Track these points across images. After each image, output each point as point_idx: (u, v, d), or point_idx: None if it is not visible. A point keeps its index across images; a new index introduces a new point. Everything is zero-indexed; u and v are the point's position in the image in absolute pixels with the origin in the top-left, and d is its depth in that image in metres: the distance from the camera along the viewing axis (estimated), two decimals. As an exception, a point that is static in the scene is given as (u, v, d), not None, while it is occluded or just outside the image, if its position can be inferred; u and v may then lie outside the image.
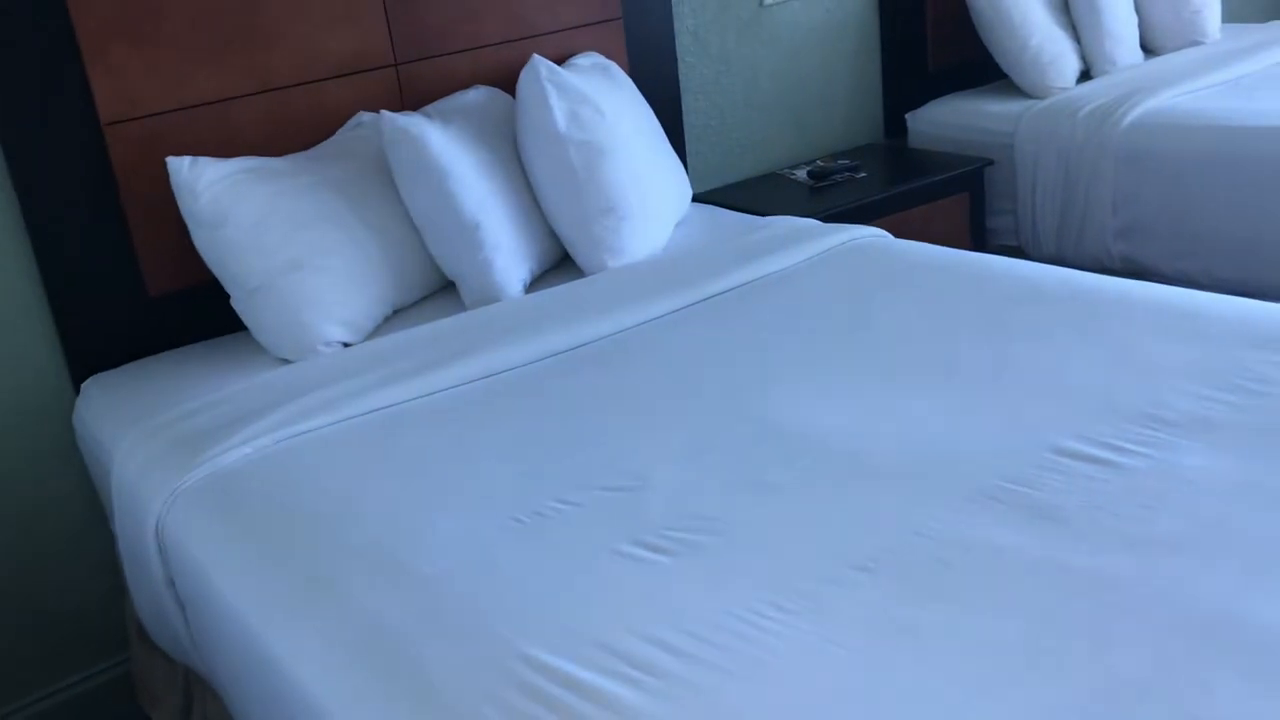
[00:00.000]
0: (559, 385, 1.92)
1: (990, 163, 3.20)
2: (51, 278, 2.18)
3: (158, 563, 1.76)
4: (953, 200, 3.12)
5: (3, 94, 2.07)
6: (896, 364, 1.85)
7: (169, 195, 2.17)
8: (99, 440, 2.03)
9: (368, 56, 2.44)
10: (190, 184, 2.13)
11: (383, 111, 2.29)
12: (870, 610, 1.25)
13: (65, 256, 2.18)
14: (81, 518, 2.30)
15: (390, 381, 1.93)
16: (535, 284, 2.39)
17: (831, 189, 3.04)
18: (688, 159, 3.05)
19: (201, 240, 2.16)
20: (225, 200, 2.13)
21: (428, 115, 2.36)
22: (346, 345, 2.16)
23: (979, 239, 3.21)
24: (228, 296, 2.20)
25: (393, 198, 2.29)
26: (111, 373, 2.21)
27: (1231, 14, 4.17)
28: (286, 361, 2.13)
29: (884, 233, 2.48)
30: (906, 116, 3.53)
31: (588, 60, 2.66)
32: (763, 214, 2.69)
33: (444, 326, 2.15)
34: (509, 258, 2.29)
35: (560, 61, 2.58)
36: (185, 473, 1.76)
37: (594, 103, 2.41)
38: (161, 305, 2.28)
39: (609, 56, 2.73)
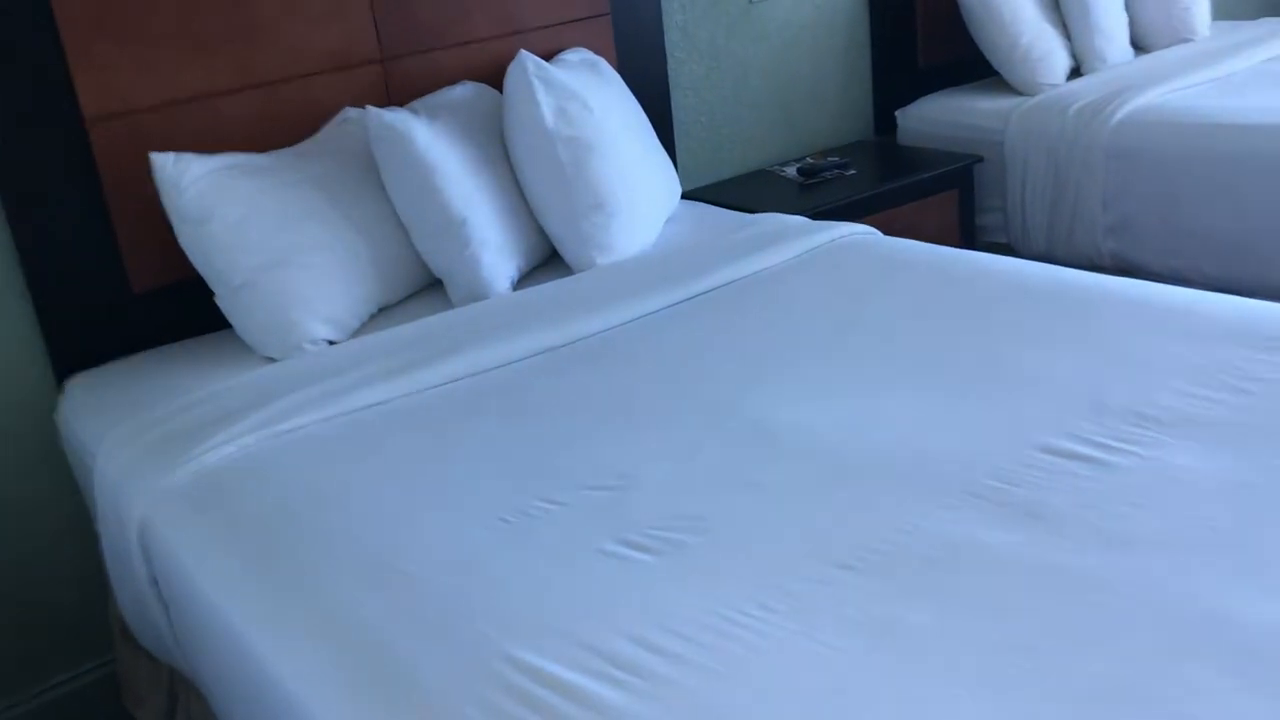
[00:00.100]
0: (546, 384, 1.91)
1: (980, 160, 3.20)
2: (35, 275, 2.16)
3: (141, 562, 1.75)
4: (942, 197, 3.12)
5: (-16, 89, 2.06)
6: (884, 362, 1.85)
7: (153, 191, 2.15)
8: (82, 439, 2.02)
9: (354, 52, 2.43)
10: (175, 180, 2.12)
11: (369, 107, 2.28)
12: (856, 609, 1.25)
13: (49, 253, 2.16)
14: (65, 517, 2.28)
15: (376, 380, 1.92)
16: (523, 281, 2.38)
17: (821, 186, 3.04)
18: (677, 156, 3.04)
19: (186, 237, 2.14)
20: (210, 196, 2.11)
21: (414, 111, 2.35)
22: (332, 343, 2.15)
23: (969, 236, 3.21)
24: (212, 294, 2.18)
25: (379, 194, 2.28)
26: (95, 371, 2.20)
27: (1221, 11, 4.17)
28: (271, 359, 2.12)
29: (873, 230, 2.47)
30: (896, 113, 3.52)
31: (576, 56, 2.65)
32: (752, 211, 2.68)
33: (430, 324, 2.14)
34: (496, 254, 2.28)
35: (548, 57, 2.57)
36: (169, 472, 1.74)
37: (582, 99, 2.40)
38: (146, 302, 2.26)
39: (597, 52, 2.72)
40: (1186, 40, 3.65)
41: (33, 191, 2.13)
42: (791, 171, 3.17)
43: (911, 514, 1.41)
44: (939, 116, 3.43)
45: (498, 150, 2.40)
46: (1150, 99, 3.10)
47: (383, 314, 2.28)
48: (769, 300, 2.15)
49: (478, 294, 2.26)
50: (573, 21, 2.73)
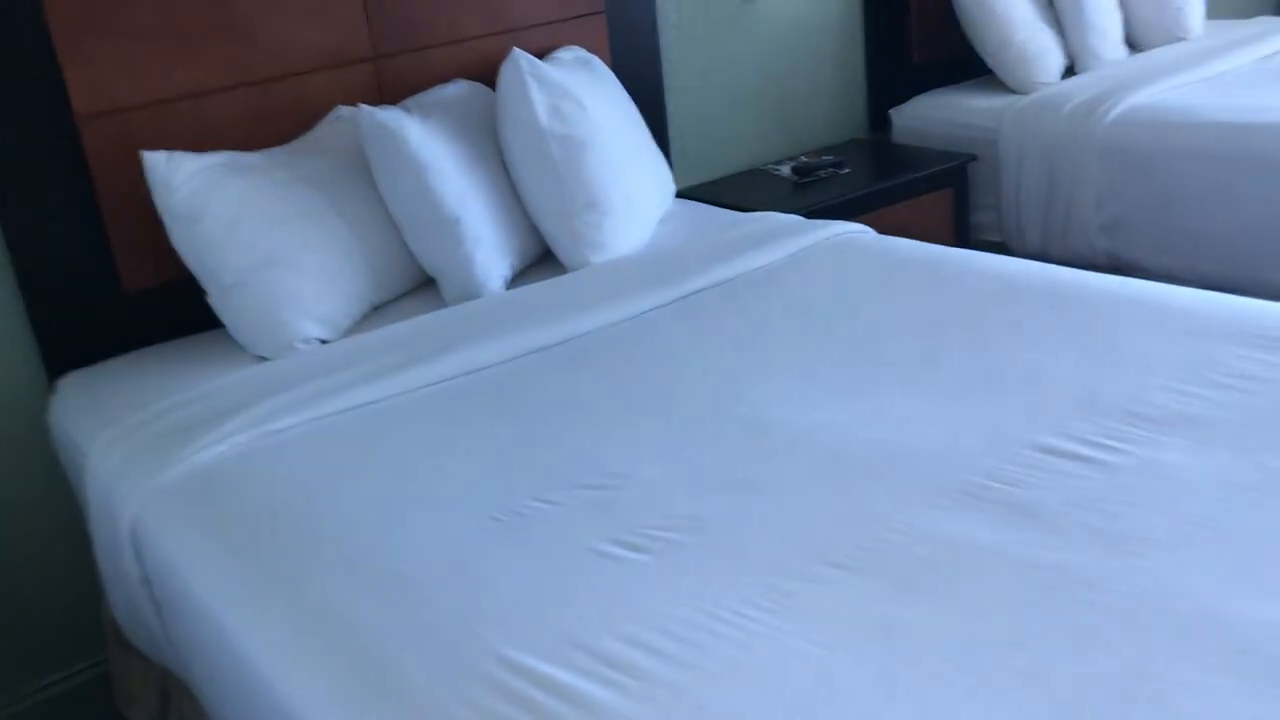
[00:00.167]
0: (539, 382, 1.91)
1: (974, 158, 3.20)
2: (26, 274, 2.15)
3: (133, 562, 1.74)
4: (937, 196, 3.12)
5: (-25, 87, 2.05)
6: (878, 360, 1.84)
7: (145, 190, 2.14)
8: (74, 438, 2.01)
9: (346, 50, 2.42)
10: (166, 178, 2.11)
11: (361, 105, 2.27)
12: (850, 608, 1.24)
13: (40, 253, 2.15)
14: (57, 516, 2.27)
15: (368, 379, 1.91)
16: (516, 280, 2.38)
17: (815, 185, 3.03)
18: (671, 154, 3.04)
19: (178, 236, 2.13)
20: (201, 195, 2.11)
21: (407, 109, 2.34)
22: (324, 342, 2.14)
23: (963, 235, 3.21)
24: (204, 293, 2.17)
25: (371, 193, 2.27)
26: (86, 370, 2.19)
27: (1215, 10, 4.17)
28: (263, 359, 2.11)
29: (867, 229, 2.47)
30: (890, 112, 3.52)
31: (569, 54, 2.64)
32: (746, 210, 2.68)
33: (423, 323, 2.14)
34: (490, 253, 2.28)
35: (542, 56, 2.57)
36: (161, 471, 1.74)
37: (575, 97, 2.39)
38: (138, 301, 2.25)
39: (591, 51, 2.71)
40: (1180, 39, 3.65)
41: (24, 190, 2.12)
42: (785, 170, 3.16)
43: (905, 513, 1.41)
44: (933, 115, 3.43)
45: (491, 149, 2.40)
46: (1144, 98, 3.10)
47: (375, 313, 2.27)
48: (763, 299, 2.15)
49: (471, 293, 2.25)
50: (567, 20, 2.72)
